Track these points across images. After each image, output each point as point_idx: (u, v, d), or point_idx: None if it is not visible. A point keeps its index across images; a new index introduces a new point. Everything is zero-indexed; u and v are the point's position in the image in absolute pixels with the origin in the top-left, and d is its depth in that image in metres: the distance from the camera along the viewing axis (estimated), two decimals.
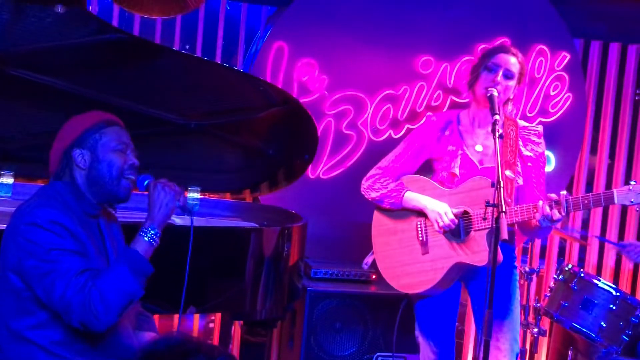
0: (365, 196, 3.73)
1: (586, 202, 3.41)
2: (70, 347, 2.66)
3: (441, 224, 3.52)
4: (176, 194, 2.78)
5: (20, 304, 2.65)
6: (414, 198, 3.63)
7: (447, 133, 3.70)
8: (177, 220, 3.83)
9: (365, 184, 3.74)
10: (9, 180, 3.77)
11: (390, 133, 4.69)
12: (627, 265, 5.21)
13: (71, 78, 3.52)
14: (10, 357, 2.69)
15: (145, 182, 2.81)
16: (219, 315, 4.32)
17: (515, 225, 3.49)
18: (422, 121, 3.85)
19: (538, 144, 3.71)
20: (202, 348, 1.54)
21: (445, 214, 3.53)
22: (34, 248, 2.58)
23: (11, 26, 3.39)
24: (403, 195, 3.64)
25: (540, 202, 3.41)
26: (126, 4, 4.07)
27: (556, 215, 3.38)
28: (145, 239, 2.69)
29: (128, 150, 2.79)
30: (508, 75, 3.58)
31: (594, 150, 5.24)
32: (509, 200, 3.35)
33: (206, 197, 4.13)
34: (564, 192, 3.41)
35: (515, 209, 3.44)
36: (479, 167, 3.63)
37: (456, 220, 3.52)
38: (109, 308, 2.54)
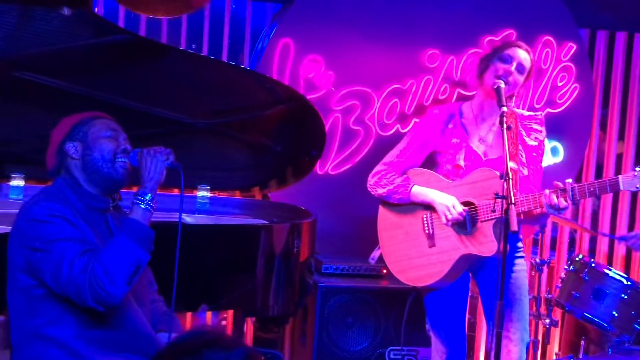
0: (372, 193, 3.73)
1: (592, 189, 3.41)
2: (84, 341, 2.68)
3: (449, 216, 3.52)
4: (161, 154, 2.76)
5: (31, 303, 2.67)
6: (421, 192, 3.63)
7: (450, 126, 3.70)
8: (188, 219, 3.84)
9: (371, 180, 3.74)
10: (20, 182, 3.81)
11: (397, 127, 4.70)
12: (638, 254, 5.20)
13: (79, 80, 3.55)
14: (25, 356, 2.71)
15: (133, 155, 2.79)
16: (231, 312, 4.33)
17: (522, 215, 3.49)
18: (426, 115, 3.85)
19: (540, 131, 3.71)
20: (221, 340, 1.55)
21: (454, 206, 3.53)
22: (37, 242, 2.61)
23: (18, 29, 3.41)
24: (410, 190, 3.64)
25: (547, 191, 3.41)
26: (132, 5, 4.09)
27: (562, 203, 3.38)
28: (142, 206, 2.69)
29: (119, 137, 2.80)
30: (520, 70, 3.58)
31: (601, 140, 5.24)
32: (515, 191, 3.35)
33: (215, 195, 4.15)
34: (569, 180, 3.40)
35: (521, 198, 3.45)
36: (484, 158, 3.64)
37: (464, 213, 3.53)
38: (113, 279, 2.55)
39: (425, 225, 3.64)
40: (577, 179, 5.03)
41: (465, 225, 3.57)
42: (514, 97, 3.66)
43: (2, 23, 3.38)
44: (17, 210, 2.75)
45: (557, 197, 3.38)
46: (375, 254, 3.79)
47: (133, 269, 2.59)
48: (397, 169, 3.71)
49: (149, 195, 2.71)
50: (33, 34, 3.45)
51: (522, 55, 3.60)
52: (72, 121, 2.82)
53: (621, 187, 3.39)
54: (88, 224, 2.72)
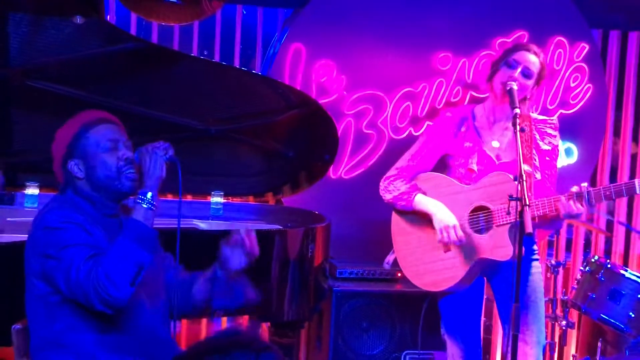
0: (382, 196, 3.74)
1: (607, 193, 3.40)
2: (102, 347, 2.69)
3: (445, 237, 3.50)
4: (159, 149, 2.73)
5: (49, 310, 2.69)
6: (423, 202, 3.61)
7: (463, 129, 3.70)
8: (202, 224, 3.86)
9: (382, 185, 3.74)
10: (34, 191, 3.83)
11: (410, 130, 4.70)
12: None
13: (92, 88, 3.57)
14: None
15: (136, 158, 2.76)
16: (246, 317, 4.34)
17: (536, 218, 3.48)
18: (439, 118, 3.85)
19: (554, 136, 3.70)
20: (253, 343, 1.55)
21: (455, 228, 3.51)
22: (51, 249, 2.62)
23: (31, 39, 3.44)
24: (413, 199, 3.63)
25: (563, 197, 3.40)
26: (143, 12, 4.11)
27: (579, 209, 3.36)
28: (144, 205, 2.66)
29: (119, 145, 2.76)
30: (526, 74, 3.56)
31: (616, 140, 5.22)
32: (529, 194, 3.34)
33: (229, 201, 4.16)
34: (584, 184, 3.38)
35: (537, 202, 3.44)
36: (497, 162, 3.63)
37: (464, 239, 3.50)
38: (115, 282, 2.53)
39: None
40: (592, 179, 5.02)
41: (479, 229, 3.56)
42: (527, 100, 3.64)
43: (15, 32, 3.41)
44: (32, 219, 2.77)
45: (574, 203, 3.37)
46: (390, 258, 3.79)
47: (135, 269, 2.58)
48: (409, 173, 3.71)
49: (150, 193, 2.68)
50: (46, 42, 3.47)
51: (531, 58, 3.58)
52: (68, 132, 2.77)
53: (637, 191, 3.38)
54: (103, 227, 2.73)
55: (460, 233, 3.50)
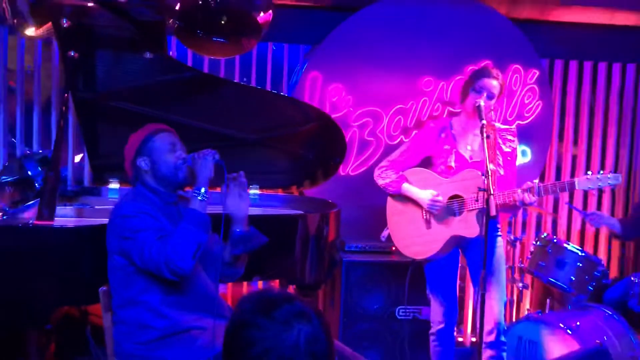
0: (375, 181, 3.76)
1: (554, 188, 3.42)
2: (167, 304, 2.71)
3: (436, 206, 3.57)
4: (209, 155, 2.75)
5: (126, 277, 2.71)
6: (408, 189, 3.68)
7: (443, 136, 3.70)
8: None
9: (376, 172, 3.78)
10: (115, 185, 3.85)
11: (401, 138, 4.68)
12: (590, 230, 5.15)
13: (157, 106, 3.58)
14: (124, 318, 2.75)
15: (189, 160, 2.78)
16: (277, 281, 4.34)
17: (499, 206, 3.47)
18: (423, 127, 3.85)
19: (513, 141, 3.70)
20: (292, 300, 1.48)
21: (436, 196, 3.57)
22: (127, 232, 2.64)
23: (112, 70, 3.46)
24: (401, 186, 3.67)
25: (519, 190, 3.41)
26: (197, 49, 4.11)
27: (531, 199, 3.39)
28: (199, 198, 2.69)
29: (176, 147, 2.80)
30: (490, 96, 3.57)
31: (560, 144, 5.19)
32: (494, 187, 3.34)
33: (263, 192, 4.16)
34: (536, 181, 3.44)
35: (499, 193, 3.43)
36: (470, 161, 3.63)
37: (444, 202, 3.55)
38: (181, 256, 2.56)
39: (423, 212, 3.64)
40: (542, 174, 5.00)
41: (454, 212, 3.57)
42: (492, 111, 3.66)
43: (100, 65, 3.43)
44: (112, 208, 2.79)
45: (527, 194, 3.38)
46: (384, 233, 3.81)
47: (195, 246, 2.60)
48: (398, 166, 3.75)
49: (203, 189, 2.71)
50: (123, 73, 3.49)
51: (493, 83, 3.57)
52: (137, 138, 2.80)
53: (577, 187, 3.38)
54: (165, 214, 2.74)
55: (440, 197, 3.55)
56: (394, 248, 4.18)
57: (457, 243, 3.66)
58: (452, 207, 3.59)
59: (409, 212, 3.69)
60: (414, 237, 3.68)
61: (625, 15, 4.89)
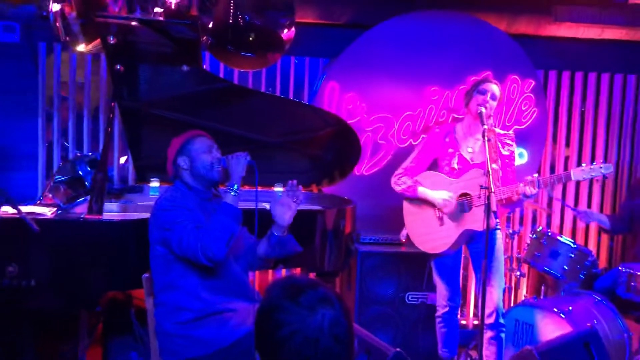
0: (393, 188, 3.74)
1: (552, 180, 3.40)
2: (203, 288, 2.74)
3: (448, 206, 3.56)
4: (241, 156, 2.78)
5: (166, 265, 2.74)
6: (423, 192, 3.66)
7: (447, 140, 3.69)
8: (268, 206, 3.86)
9: (393, 180, 3.76)
10: (156, 184, 3.88)
11: (410, 141, 4.67)
12: (581, 224, 5.11)
13: (193, 114, 3.60)
14: (164, 301, 2.78)
15: (224, 161, 2.82)
16: (298, 269, 4.35)
17: (504, 200, 3.47)
18: (430, 132, 3.84)
19: (511, 145, 3.68)
20: (317, 286, 1.46)
21: (450, 198, 3.56)
22: (166, 224, 2.67)
23: (153, 81, 3.49)
24: (417, 190, 3.65)
25: (521, 185, 3.40)
26: (227, 62, 4.14)
27: (532, 190, 3.37)
28: (232, 193, 2.73)
29: (213, 149, 2.83)
30: (493, 97, 3.55)
31: (554, 146, 5.15)
32: (498, 184, 3.33)
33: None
34: (535, 175, 3.41)
35: (503, 189, 3.43)
36: (471, 162, 3.62)
37: (455, 202, 3.53)
38: (216, 243, 2.59)
39: (436, 211, 3.63)
40: (537, 174, 4.95)
41: (464, 208, 3.57)
42: (492, 117, 3.63)
43: (143, 77, 3.46)
44: (153, 203, 2.81)
45: (529, 187, 3.38)
46: (403, 232, 3.83)
47: (229, 235, 2.63)
48: (411, 172, 3.72)
49: (236, 186, 2.75)
50: (162, 84, 3.52)
51: (494, 87, 3.57)
52: (179, 141, 2.85)
53: (572, 178, 3.38)
54: (200, 209, 2.77)
55: (453, 199, 3.55)
56: (404, 240, 4.18)
57: (468, 238, 3.65)
58: (462, 204, 3.59)
59: (423, 212, 3.70)
60: (429, 233, 3.68)
61: (613, 30, 4.86)
